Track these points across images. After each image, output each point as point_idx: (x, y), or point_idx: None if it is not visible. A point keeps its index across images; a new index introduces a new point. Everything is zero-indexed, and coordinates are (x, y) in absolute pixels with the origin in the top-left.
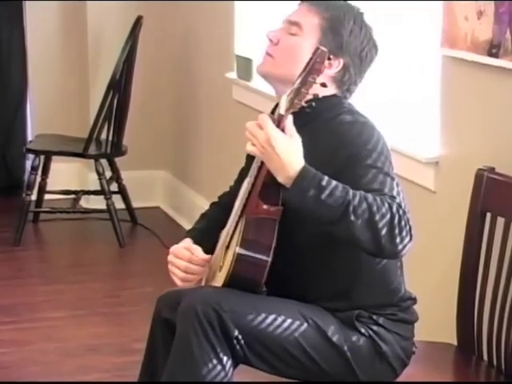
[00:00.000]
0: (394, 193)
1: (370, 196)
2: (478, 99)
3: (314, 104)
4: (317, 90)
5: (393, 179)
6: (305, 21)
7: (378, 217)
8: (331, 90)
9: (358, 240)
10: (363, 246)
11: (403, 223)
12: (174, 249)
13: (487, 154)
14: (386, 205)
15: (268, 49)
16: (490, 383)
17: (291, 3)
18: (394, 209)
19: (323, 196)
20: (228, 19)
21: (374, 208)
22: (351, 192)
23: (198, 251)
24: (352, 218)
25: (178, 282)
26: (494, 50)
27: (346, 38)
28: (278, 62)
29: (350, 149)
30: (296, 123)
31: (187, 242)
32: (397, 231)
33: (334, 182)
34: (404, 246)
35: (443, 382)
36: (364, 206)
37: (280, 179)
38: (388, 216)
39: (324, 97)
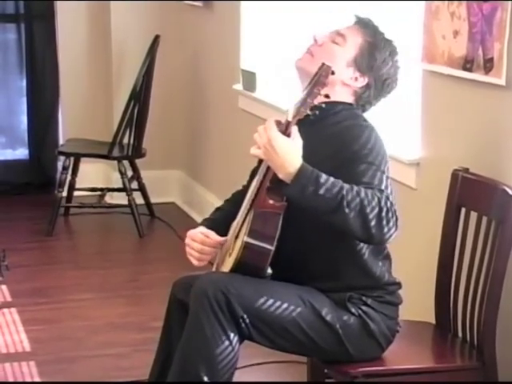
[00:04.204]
0: (383, 186)
1: (362, 190)
2: (453, 108)
3: (317, 112)
4: (321, 101)
5: (383, 173)
6: (351, 36)
7: (368, 209)
8: (349, 100)
9: (351, 229)
10: (355, 234)
11: (390, 214)
12: (190, 233)
13: (462, 156)
14: (376, 198)
15: (311, 47)
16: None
17: (291, 24)
18: (383, 201)
19: (320, 190)
20: (234, 38)
21: (365, 202)
22: (345, 187)
23: (213, 234)
24: (346, 210)
25: (194, 262)
26: (467, 65)
27: (378, 63)
28: (316, 61)
29: (351, 148)
30: (309, 120)
31: (201, 228)
32: (384, 222)
33: (329, 178)
34: (390, 235)
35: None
36: (357, 199)
37: (280, 176)
38: (377, 208)
39: (340, 102)
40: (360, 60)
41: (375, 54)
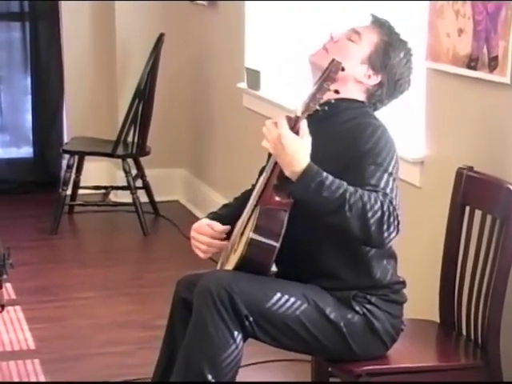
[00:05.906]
0: (388, 189)
1: (365, 194)
2: (458, 106)
3: (326, 108)
4: (330, 96)
5: (390, 175)
6: (366, 34)
7: (370, 214)
8: (361, 98)
9: (351, 231)
10: (354, 236)
11: (392, 219)
12: (196, 225)
13: (466, 154)
14: (379, 202)
15: (326, 44)
16: None
17: (296, 23)
18: (385, 206)
19: (323, 191)
20: (239, 36)
21: (368, 206)
22: (349, 190)
23: (217, 225)
24: (347, 212)
25: (201, 254)
26: (472, 63)
27: (391, 62)
28: (330, 56)
29: (360, 147)
30: (319, 117)
31: (205, 220)
32: (385, 227)
33: (334, 180)
34: (389, 240)
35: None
36: (359, 203)
37: (287, 173)
38: (379, 213)
39: (352, 99)
40: (374, 58)
41: (390, 53)
